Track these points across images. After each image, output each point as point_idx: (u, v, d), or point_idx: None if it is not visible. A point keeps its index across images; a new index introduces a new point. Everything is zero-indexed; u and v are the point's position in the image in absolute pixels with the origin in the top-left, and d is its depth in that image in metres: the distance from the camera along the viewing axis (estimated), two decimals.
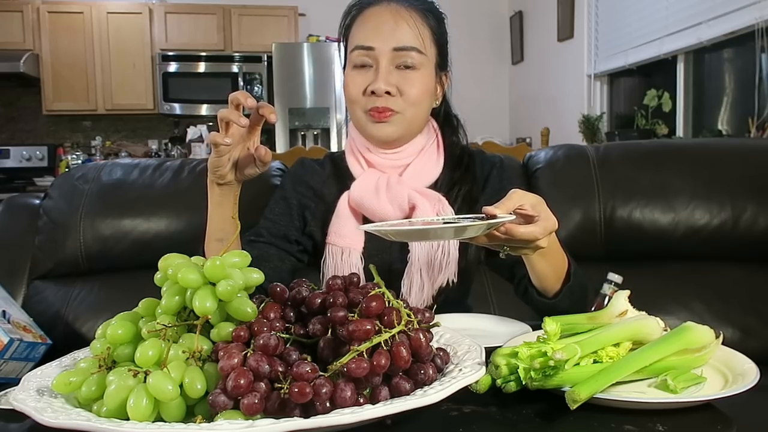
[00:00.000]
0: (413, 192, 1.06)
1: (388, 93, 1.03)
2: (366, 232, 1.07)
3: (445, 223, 0.83)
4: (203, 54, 4.98)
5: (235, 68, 4.99)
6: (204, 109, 5.05)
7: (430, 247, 1.06)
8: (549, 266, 0.95)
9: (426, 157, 1.10)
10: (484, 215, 0.77)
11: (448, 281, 1.06)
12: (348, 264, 1.05)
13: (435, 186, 1.11)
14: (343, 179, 1.13)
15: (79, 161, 4.61)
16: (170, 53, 4.94)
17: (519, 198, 0.80)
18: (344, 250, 1.06)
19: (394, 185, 1.06)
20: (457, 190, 1.11)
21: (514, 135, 5.41)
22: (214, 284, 0.63)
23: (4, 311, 0.92)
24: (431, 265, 1.05)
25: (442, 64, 1.11)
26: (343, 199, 1.09)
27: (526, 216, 0.80)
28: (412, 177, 1.09)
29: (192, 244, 1.53)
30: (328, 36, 4.95)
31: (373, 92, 1.03)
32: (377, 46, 1.03)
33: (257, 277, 0.68)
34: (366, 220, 1.08)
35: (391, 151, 1.09)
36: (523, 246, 0.82)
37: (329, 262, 1.07)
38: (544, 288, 0.98)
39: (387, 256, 1.09)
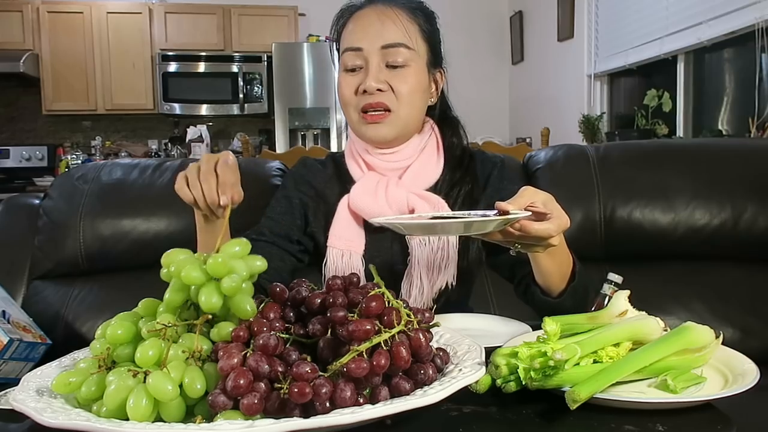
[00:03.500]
0: (412, 195, 1.06)
1: (379, 90, 1.03)
2: (367, 234, 1.07)
3: (456, 218, 0.82)
4: (203, 54, 4.98)
5: (235, 68, 4.99)
6: (204, 109, 5.06)
7: (430, 250, 1.05)
8: (554, 265, 0.95)
9: (425, 159, 1.10)
10: (496, 211, 0.77)
11: (447, 284, 1.06)
12: (349, 266, 1.05)
13: (435, 187, 1.10)
14: (344, 181, 1.13)
15: (79, 161, 4.61)
16: (170, 53, 4.94)
17: (531, 195, 0.80)
18: (345, 252, 1.06)
19: (393, 188, 1.06)
20: (458, 190, 1.11)
21: (514, 135, 5.41)
22: (218, 279, 0.63)
23: (3, 311, 0.92)
24: (431, 268, 1.05)
25: (434, 62, 1.11)
26: (343, 202, 1.09)
27: (537, 213, 0.80)
28: (411, 179, 1.08)
29: (192, 244, 1.53)
30: (328, 36, 4.93)
31: (365, 91, 1.04)
32: (365, 46, 1.04)
33: (260, 264, 0.68)
34: (366, 223, 1.08)
35: (389, 152, 1.09)
36: (535, 243, 0.82)
37: (330, 264, 1.07)
38: (548, 287, 0.98)
39: (388, 258, 1.08)
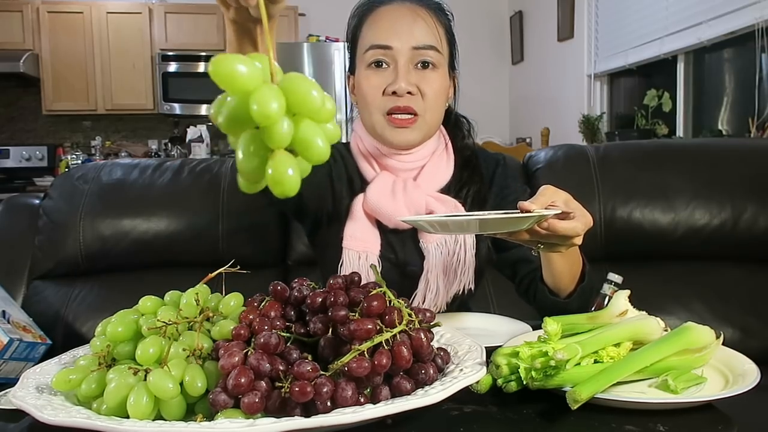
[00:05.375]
0: (430, 198, 1.04)
1: (409, 93, 1.00)
2: (382, 235, 1.05)
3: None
4: (203, 54, 4.97)
5: None
6: (204, 109, 5.04)
7: (446, 253, 1.04)
8: (567, 265, 0.94)
9: (437, 160, 1.09)
10: (518, 211, 0.76)
11: (464, 288, 1.05)
12: (365, 267, 1.02)
13: (447, 188, 1.09)
14: (353, 178, 1.10)
15: (79, 161, 4.60)
16: (170, 53, 4.94)
17: (551, 194, 0.79)
18: (361, 254, 1.04)
19: (411, 190, 1.04)
20: (467, 190, 1.09)
21: (514, 135, 5.41)
22: None
23: (3, 311, 0.92)
24: (447, 272, 1.04)
25: (452, 65, 1.09)
26: (358, 202, 1.06)
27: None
28: (426, 180, 1.07)
29: (192, 244, 1.53)
30: (328, 36, 4.94)
31: (394, 92, 1.00)
32: (395, 45, 1.00)
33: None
34: (380, 224, 1.06)
35: (405, 154, 1.06)
36: (559, 243, 0.81)
37: (346, 265, 1.04)
38: (557, 287, 0.97)
39: (402, 259, 1.06)
